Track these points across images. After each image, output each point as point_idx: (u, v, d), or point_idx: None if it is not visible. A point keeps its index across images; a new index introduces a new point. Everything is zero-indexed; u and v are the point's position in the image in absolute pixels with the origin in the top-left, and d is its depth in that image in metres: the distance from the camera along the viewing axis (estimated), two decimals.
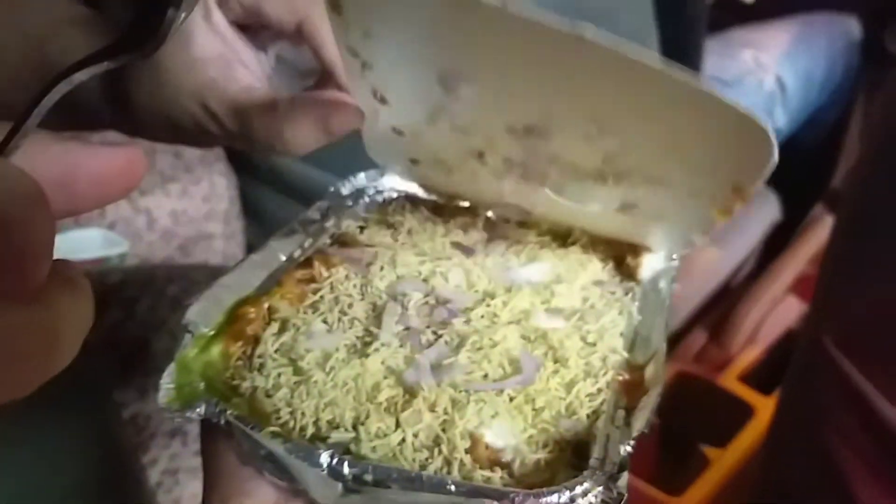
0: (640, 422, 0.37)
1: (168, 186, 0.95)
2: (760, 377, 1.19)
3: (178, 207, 0.96)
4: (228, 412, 0.38)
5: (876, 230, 0.61)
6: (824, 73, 1.35)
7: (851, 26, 1.44)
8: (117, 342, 0.79)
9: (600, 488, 0.34)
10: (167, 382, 0.39)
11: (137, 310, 0.85)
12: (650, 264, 0.51)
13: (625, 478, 0.34)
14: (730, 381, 1.18)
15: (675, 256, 0.51)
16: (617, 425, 0.38)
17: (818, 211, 1.47)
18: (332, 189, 0.55)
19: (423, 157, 0.51)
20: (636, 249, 0.52)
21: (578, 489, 0.34)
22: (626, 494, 0.33)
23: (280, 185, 1.00)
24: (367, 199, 0.56)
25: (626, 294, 0.48)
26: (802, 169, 1.43)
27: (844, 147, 1.50)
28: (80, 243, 0.84)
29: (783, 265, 1.31)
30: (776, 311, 1.26)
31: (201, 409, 0.38)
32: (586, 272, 0.50)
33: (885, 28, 1.45)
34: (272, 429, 0.37)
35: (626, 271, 0.51)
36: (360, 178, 0.56)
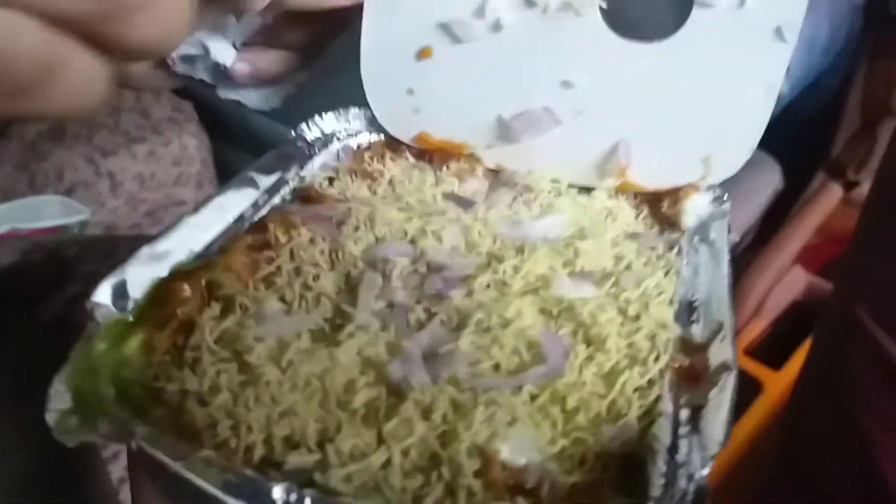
0: (717, 427, 0.27)
1: (134, 148, 0.88)
2: (767, 351, 1.12)
3: (145, 171, 0.89)
4: (141, 430, 0.27)
5: None
6: (828, 36, 1.31)
7: None
8: (76, 321, 0.70)
9: None
10: (60, 391, 0.28)
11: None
12: (694, 209, 0.40)
13: None
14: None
15: (725, 197, 0.41)
16: (682, 433, 0.28)
17: (820, 179, 1.44)
18: (293, 133, 0.44)
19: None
20: (674, 193, 0.41)
21: None
22: None
23: (256, 147, 0.91)
24: (337, 145, 0.45)
25: (671, 249, 0.38)
26: (803, 136, 1.39)
27: (845, 114, 1.45)
28: (35, 211, 0.77)
29: (788, 235, 1.26)
30: (781, 283, 1.21)
31: (105, 428, 0.27)
32: (616, 223, 0.40)
33: None
34: (204, 454, 0.27)
35: (664, 220, 0.40)
36: (329, 119, 0.45)
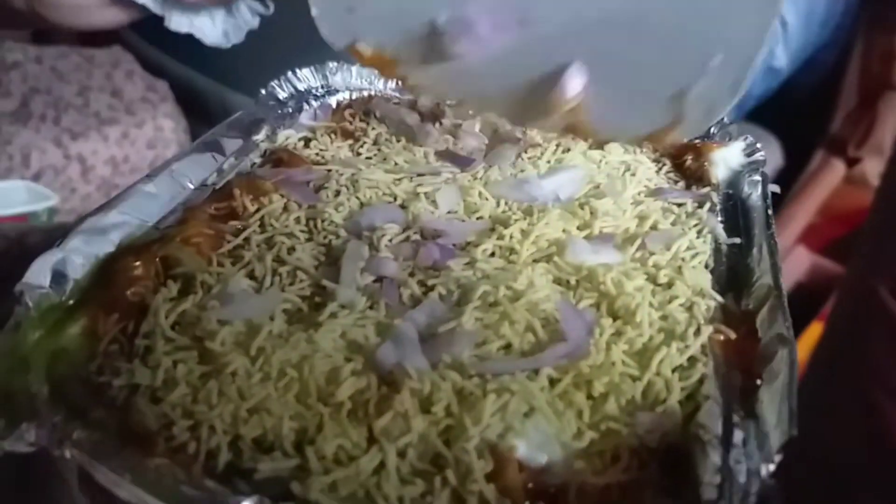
0: (779, 412, 0.22)
1: (105, 130, 0.84)
2: None
3: (117, 154, 0.84)
4: (78, 436, 0.22)
5: None
6: (825, 10, 1.30)
7: None
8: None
9: None
10: None
11: None
12: (724, 161, 0.36)
13: None
14: None
15: (757, 146, 0.36)
16: (736, 420, 0.23)
17: (820, 156, 1.40)
18: (263, 91, 0.39)
19: None
20: (698, 148, 0.37)
21: None
22: None
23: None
24: (314, 104, 0.40)
25: (701, 206, 0.33)
26: (802, 113, 1.39)
27: (844, 90, 1.44)
28: (0, 198, 0.72)
29: (790, 215, 1.23)
30: (785, 264, 1.17)
31: (32, 435, 0.22)
32: (636, 179, 0.35)
33: None
34: (156, 462, 0.22)
35: (691, 175, 0.36)
36: (305, 75, 0.41)
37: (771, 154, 1.31)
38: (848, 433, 0.61)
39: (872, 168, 1.18)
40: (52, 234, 0.70)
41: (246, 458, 0.23)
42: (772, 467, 0.21)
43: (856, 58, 1.43)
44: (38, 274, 0.27)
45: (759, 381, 0.24)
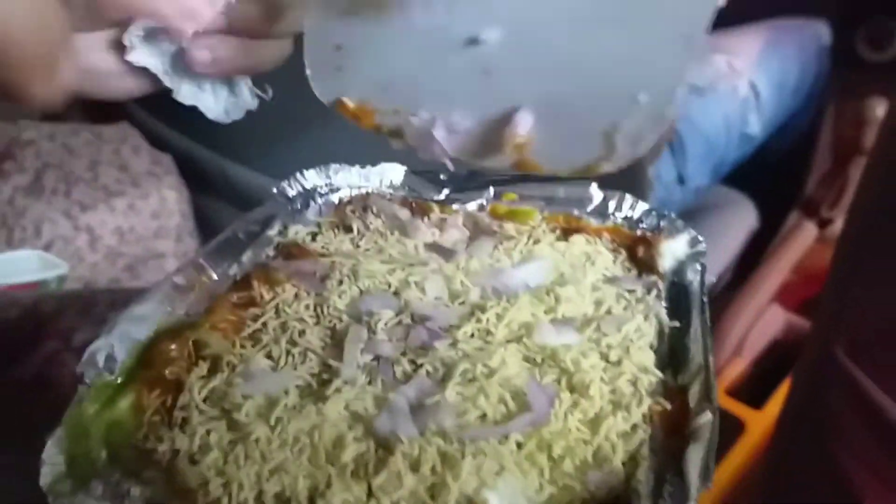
0: (696, 471, 0.27)
1: (113, 202, 0.87)
2: (748, 390, 1.14)
3: (123, 224, 0.87)
4: (135, 491, 0.27)
5: (891, 230, 0.57)
6: (796, 78, 1.35)
7: (821, 31, 1.42)
8: (52, 378, 0.70)
9: None
10: (53, 455, 0.29)
11: (75, 340, 0.75)
12: (671, 252, 0.41)
13: None
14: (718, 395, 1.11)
15: (700, 238, 0.42)
16: (666, 477, 0.28)
17: (795, 218, 1.47)
18: (274, 190, 0.45)
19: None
20: (649, 240, 0.42)
21: None
22: None
23: (237, 199, 0.91)
24: (319, 201, 0.46)
25: (649, 292, 0.39)
26: (776, 176, 1.43)
27: (817, 154, 1.52)
28: (12, 266, 0.76)
29: (765, 274, 1.28)
30: (760, 322, 1.22)
31: (99, 490, 0.27)
32: (595, 268, 0.40)
33: (856, 32, 1.45)
34: None
35: (642, 264, 0.41)
36: (310, 175, 0.46)
37: (746, 217, 1.36)
38: (813, 493, 0.62)
39: None
40: (65, 301, 0.75)
41: None
42: None
43: (828, 123, 1.50)
44: (94, 356, 0.32)
45: (686, 445, 0.29)
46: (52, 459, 0.28)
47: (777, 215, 1.47)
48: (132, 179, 0.89)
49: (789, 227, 1.45)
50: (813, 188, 1.52)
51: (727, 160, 1.29)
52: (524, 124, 0.38)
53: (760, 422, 1.02)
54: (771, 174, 1.43)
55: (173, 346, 0.34)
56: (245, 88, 0.45)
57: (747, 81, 1.28)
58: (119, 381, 0.33)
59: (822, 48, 1.42)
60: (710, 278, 0.39)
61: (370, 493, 0.28)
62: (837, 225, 1.35)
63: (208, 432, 0.31)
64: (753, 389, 1.12)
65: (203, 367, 0.34)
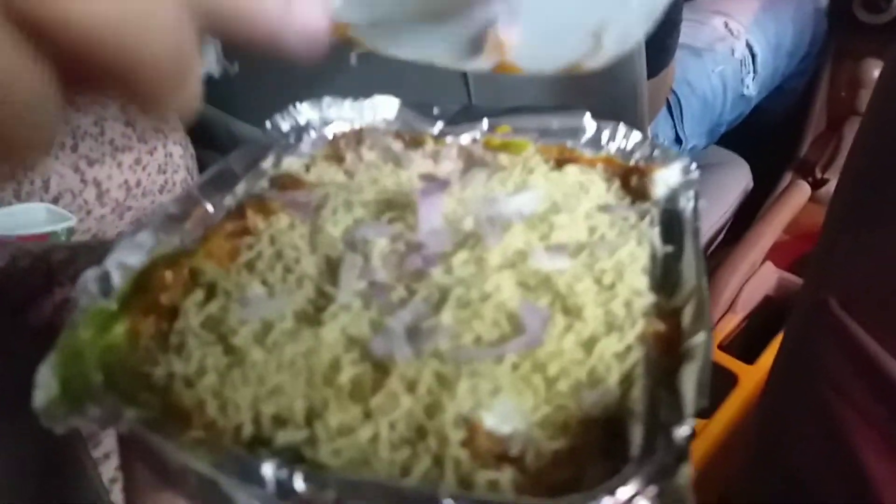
0: (691, 388, 0.28)
1: (120, 157, 0.88)
2: (741, 345, 1.17)
3: (130, 179, 0.89)
4: (130, 414, 0.27)
5: (885, 187, 0.57)
6: (793, 40, 1.36)
7: None
8: (64, 325, 0.70)
9: (653, 488, 0.24)
10: (46, 377, 0.29)
11: None
12: (664, 180, 0.41)
13: (686, 472, 0.25)
14: None
15: (692, 167, 0.41)
16: (660, 395, 0.29)
17: (789, 178, 1.51)
18: (268, 125, 0.44)
19: None
20: (642, 169, 0.42)
21: (622, 492, 0.24)
22: (690, 497, 0.24)
23: None
24: (312, 135, 0.45)
25: (642, 218, 0.39)
26: (771, 137, 1.47)
27: (812, 116, 1.53)
28: (22, 219, 0.77)
29: (759, 232, 1.30)
30: (753, 279, 1.25)
31: (94, 413, 0.27)
32: (589, 196, 0.40)
33: None
34: (194, 434, 0.27)
35: (635, 192, 0.41)
36: (304, 108, 0.46)
37: (741, 177, 1.38)
38: (805, 441, 0.64)
39: None
40: (76, 250, 0.75)
41: (265, 430, 0.28)
42: (683, 431, 0.26)
43: (823, 85, 1.52)
44: (90, 283, 0.32)
45: (679, 364, 0.30)
46: (45, 382, 0.28)
47: (771, 176, 1.50)
48: (138, 135, 0.90)
49: (783, 187, 1.47)
50: (807, 149, 1.56)
51: (723, 121, 1.30)
52: (507, 25, 0.35)
53: (753, 376, 1.04)
54: (766, 135, 1.46)
55: (169, 273, 0.34)
56: (213, 52, 0.44)
57: (744, 42, 1.29)
58: (114, 308, 0.32)
59: (819, 10, 1.42)
60: (703, 203, 0.39)
61: (367, 414, 0.29)
62: (831, 186, 1.38)
63: (204, 356, 0.31)
64: (746, 344, 1.16)
65: (199, 294, 0.34)
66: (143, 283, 0.34)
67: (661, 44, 0.97)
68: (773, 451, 0.70)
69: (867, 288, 0.57)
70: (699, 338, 0.30)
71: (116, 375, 0.30)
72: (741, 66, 1.27)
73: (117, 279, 0.33)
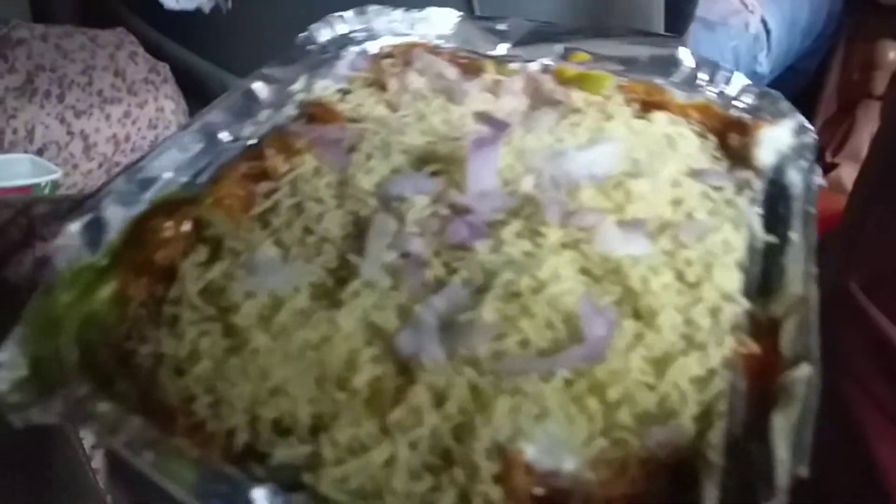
0: (785, 445, 0.22)
1: (108, 109, 0.83)
2: None
3: (119, 133, 0.84)
4: (103, 408, 0.23)
5: None
6: (808, 18, 1.34)
7: None
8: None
9: None
10: (14, 356, 0.24)
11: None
12: (771, 142, 0.34)
13: None
14: None
15: (810, 126, 0.34)
16: (746, 445, 0.23)
17: None
18: (303, 34, 0.38)
19: None
20: (746, 124, 0.35)
21: None
22: None
23: None
24: (353, 51, 0.39)
25: (741, 193, 0.32)
26: None
27: (823, 97, 1.48)
28: (4, 169, 0.74)
29: None
30: None
31: (56, 406, 0.23)
32: (677, 155, 0.34)
33: None
34: (176, 442, 0.23)
35: (735, 155, 0.34)
36: (348, 17, 0.39)
37: None
38: (826, 442, 0.63)
39: (848, 174, 1.20)
40: (59, 204, 0.71)
41: (263, 440, 0.24)
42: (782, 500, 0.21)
43: (836, 66, 1.46)
44: (73, 234, 0.28)
45: (774, 405, 0.24)
46: (12, 362, 0.24)
47: None
48: (128, 86, 0.85)
49: None
50: (817, 132, 1.47)
51: None
52: None
53: None
54: None
55: (169, 224, 0.29)
56: None
57: (759, 18, 1.26)
58: (103, 263, 0.28)
59: None
60: (819, 181, 0.32)
61: (384, 430, 0.24)
62: (841, 170, 1.32)
63: (200, 335, 0.26)
64: None
65: (202, 252, 0.29)
66: (139, 234, 0.29)
67: (679, 10, 0.92)
68: None
69: (890, 273, 0.56)
70: (801, 372, 0.24)
71: (96, 353, 0.26)
72: (755, 41, 1.26)
73: (109, 229, 0.28)
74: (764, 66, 1.29)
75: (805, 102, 1.45)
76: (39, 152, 0.78)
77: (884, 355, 0.54)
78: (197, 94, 0.87)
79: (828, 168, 1.36)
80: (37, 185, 0.72)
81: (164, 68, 0.86)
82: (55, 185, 0.74)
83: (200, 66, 0.84)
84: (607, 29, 0.38)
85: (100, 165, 0.82)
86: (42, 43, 0.81)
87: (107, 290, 0.27)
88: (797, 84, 1.43)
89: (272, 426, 0.24)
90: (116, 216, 0.29)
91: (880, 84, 1.31)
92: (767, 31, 1.27)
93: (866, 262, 0.58)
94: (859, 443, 0.55)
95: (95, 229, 0.28)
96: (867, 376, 0.56)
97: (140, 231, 0.29)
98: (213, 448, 0.23)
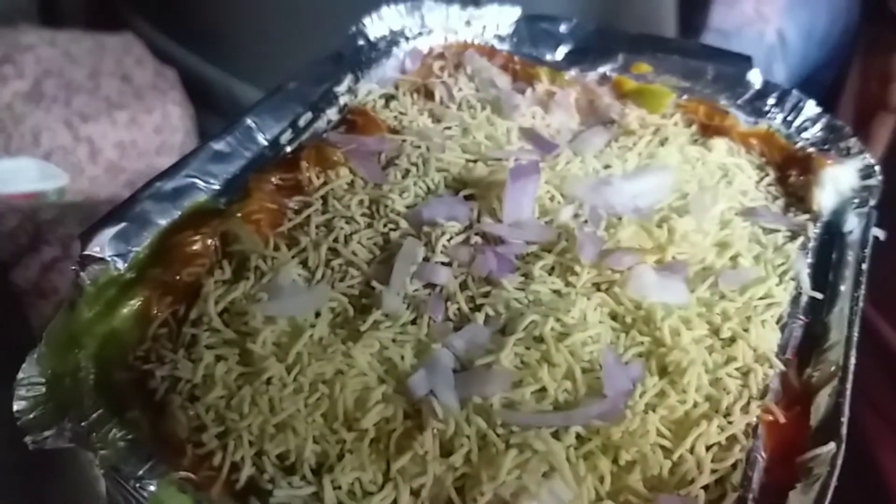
0: None
1: (114, 114, 0.84)
2: None
3: (125, 138, 0.85)
4: (110, 436, 0.23)
5: None
6: (824, 29, 1.29)
7: None
8: (51, 287, 0.68)
9: None
10: (29, 376, 0.25)
11: (75, 249, 0.74)
12: (834, 183, 0.32)
13: None
14: None
15: (876, 170, 0.32)
16: None
17: None
18: (353, 29, 0.37)
19: None
20: (810, 159, 0.33)
21: None
22: None
23: None
24: (404, 48, 0.38)
25: (794, 240, 0.30)
26: None
27: (839, 109, 1.36)
28: (11, 174, 0.76)
29: None
30: None
31: (69, 433, 0.23)
32: (731, 190, 0.32)
33: None
34: (180, 475, 0.23)
35: (793, 193, 0.32)
36: (400, 11, 0.38)
37: None
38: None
39: None
40: (65, 210, 0.72)
41: (267, 475, 0.24)
42: None
43: (853, 78, 1.39)
44: (100, 247, 0.27)
45: (793, 485, 0.22)
46: (30, 381, 0.24)
47: None
48: (135, 92, 0.86)
49: None
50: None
51: None
52: None
53: None
54: None
55: (196, 238, 0.29)
56: None
57: (775, 28, 1.23)
58: (128, 277, 0.28)
59: (852, 0, 1.33)
60: (879, 233, 0.29)
61: (387, 476, 0.23)
62: None
63: (216, 360, 0.26)
64: None
65: (226, 270, 0.29)
66: (166, 249, 0.29)
67: (689, 20, 0.90)
68: None
69: None
70: (827, 450, 0.23)
71: (113, 374, 0.26)
72: (770, 52, 1.22)
73: (137, 240, 0.28)
74: (780, 76, 1.24)
75: None
76: (46, 156, 0.79)
77: (891, 368, 0.54)
78: (204, 100, 0.87)
79: None
80: (43, 192, 0.74)
81: (172, 74, 0.87)
82: (62, 191, 0.75)
83: (207, 72, 0.84)
84: (673, 40, 0.36)
85: (106, 171, 0.82)
86: (50, 48, 0.82)
87: (130, 309, 0.27)
88: (814, 95, 1.41)
89: (277, 462, 0.24)
90: (146, 226, 0.29)
91: None
92: (783, 42, 1.24)
93: (877, 279, 0.58)
94: (863, 454, 0.54)
95: (124, 239, 0.28)
96: (874, 388, 0.55)
97: (167, 245, 0.29)
98: (217, 483, 0.24)
